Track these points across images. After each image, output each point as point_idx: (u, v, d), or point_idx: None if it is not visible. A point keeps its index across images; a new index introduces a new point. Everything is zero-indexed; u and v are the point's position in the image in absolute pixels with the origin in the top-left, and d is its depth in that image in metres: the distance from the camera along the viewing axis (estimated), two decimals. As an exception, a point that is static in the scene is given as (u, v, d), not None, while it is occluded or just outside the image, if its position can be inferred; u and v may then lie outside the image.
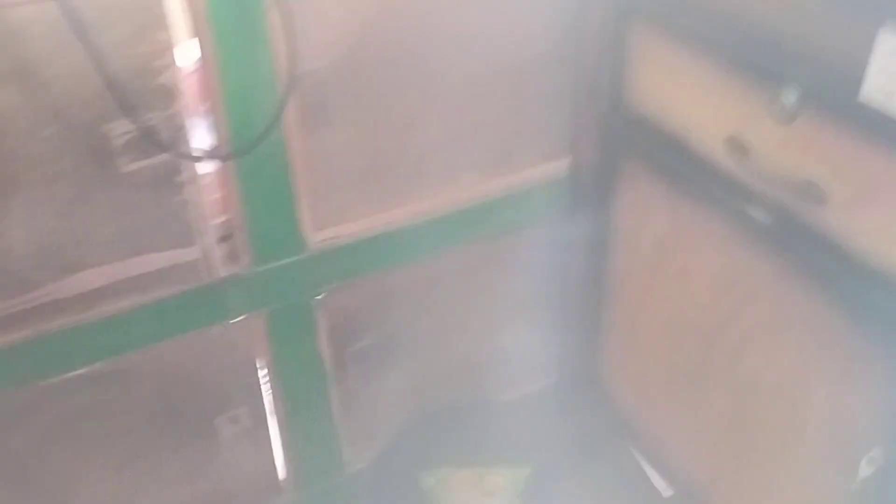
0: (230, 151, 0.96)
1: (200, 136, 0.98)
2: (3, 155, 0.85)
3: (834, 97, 0.78)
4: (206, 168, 1.00)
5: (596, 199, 1.13)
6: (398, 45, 1.01)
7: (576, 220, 1.17)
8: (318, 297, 1.14)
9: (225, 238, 1.05)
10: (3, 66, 0.81)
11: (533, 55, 1.10)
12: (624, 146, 1.05)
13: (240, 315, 1.10)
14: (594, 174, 1.11)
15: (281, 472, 1.25)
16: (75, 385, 1.02)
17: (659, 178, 1.01)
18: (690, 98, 0.94)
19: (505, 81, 1.10)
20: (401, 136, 1.08)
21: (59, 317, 0.97)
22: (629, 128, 1.02)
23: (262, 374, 1.16)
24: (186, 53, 0.94)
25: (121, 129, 0.89)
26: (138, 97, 0.87)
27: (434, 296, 1.23)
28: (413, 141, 1.09)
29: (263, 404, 1.18)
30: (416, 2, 0.99)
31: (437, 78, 1.06)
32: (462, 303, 1.25)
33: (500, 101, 1.11)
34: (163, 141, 0.91)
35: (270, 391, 1.18)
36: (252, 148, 0.95)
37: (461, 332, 1.28)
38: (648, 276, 1.08)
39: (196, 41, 0.91)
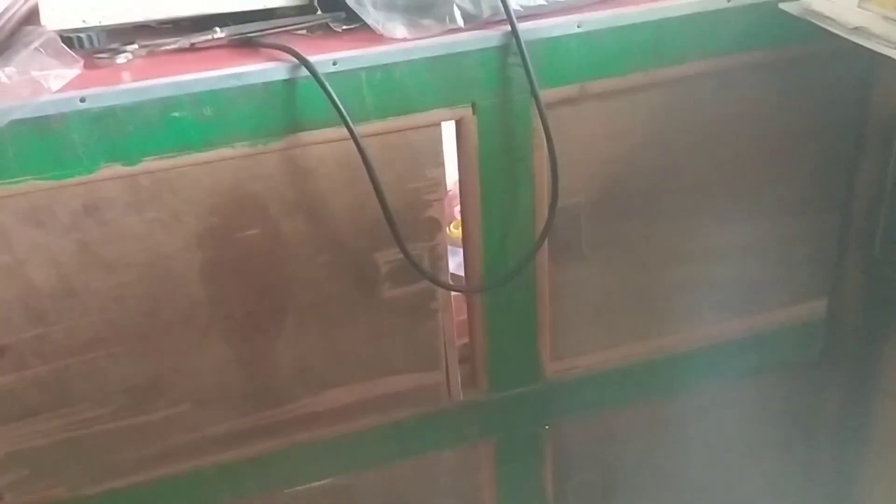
0: (484, 285, 0.98)
1: (455, 265, 1.01)
2: (284, 278, 0.91)
3: None
4: (456, 294, 1.02)
5: (857, 348, 1.04)
6: (653, 184, 1.01)
7: (830, 371, 1.09)
8: (547, 428, 1.12)
9: (462, 361, 1.06)
10: (297, 198, 0.88)
11: (793, 198, 1.06)
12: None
13: (472, 440, 1.09)
14: (857, 322, 1.03)
15: None
16: (312, 496, 1.05)
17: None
18: None
19: (760, 223, 1.06)
20: (648, 271, 1.06)
21: (308, 430, 1.00)
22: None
23: (486, 501, 1.14)
24: (450, 188, 0.98)
25: (388, 258, 0.93)
26: (408, 228, 0.91)
27: (665, 437, 1.17)
28: (659, 277, 1.06)
29: (483, 532, 1.16)
30: (675, 142, 0.99)
31: (690, 217, 1.04)
32: (693, 448, 1.19)
33: (753, 241, 1.07)
34: (425, 269, 0.94)
35: (491, 519, 1.16)
36: (505, 282, 0.97)
37: (689, 478, 1.21)
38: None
39: (462, 178, 0.95)
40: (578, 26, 0.88)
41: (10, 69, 0.75)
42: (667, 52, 0.92)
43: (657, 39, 0.91)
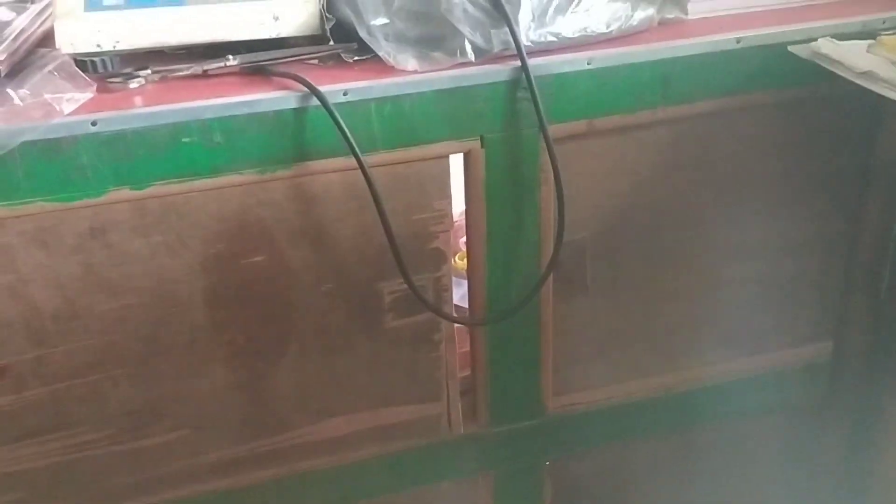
0: (487, 317, 0.98)
1: (459, 297, 1.00)
2: (287, 306, 0.91)
3: None
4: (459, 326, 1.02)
5: (862, 391, 1.04)
6: (659, 221, 1.01)
7: (834, 413, 1.08)
8: (548, 463, 1.11)
9: (464, 393, 1.06)
10: (302, 225, 0.88)
11: (798, 239, 1.06)
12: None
13: (471, 474, 1.08)
14: (862, 364, 1.02)
15: None
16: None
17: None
18: None
19: (765, 263, 1.06)
20: (651, 308, 1.05)
21: (308, 459, 0.99)
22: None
23: (483, 536, 1.13)
24: (456, 220, 0.98)
25: (392, 288, 0.93)
26: (413, 259, 0.91)
27: (667, 475, 1.16)
28: (663, 314, 1.06)
29: (480, 567, 1.15)
30: (681, 180, 0.99)
31: (694, 254, 1.04)
32: (695, 487, 1.18)
33: (758, 281, 1.07)
34: (428, 301, 0.94)
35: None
36: (509, 315, 0.96)
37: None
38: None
39: (469, 210, 0.95)
40: (588, 63, 0.89)
41: (23, 91, 0.76)
42: (675, 91, 0.92)
43: (666, 78, 0.91)
